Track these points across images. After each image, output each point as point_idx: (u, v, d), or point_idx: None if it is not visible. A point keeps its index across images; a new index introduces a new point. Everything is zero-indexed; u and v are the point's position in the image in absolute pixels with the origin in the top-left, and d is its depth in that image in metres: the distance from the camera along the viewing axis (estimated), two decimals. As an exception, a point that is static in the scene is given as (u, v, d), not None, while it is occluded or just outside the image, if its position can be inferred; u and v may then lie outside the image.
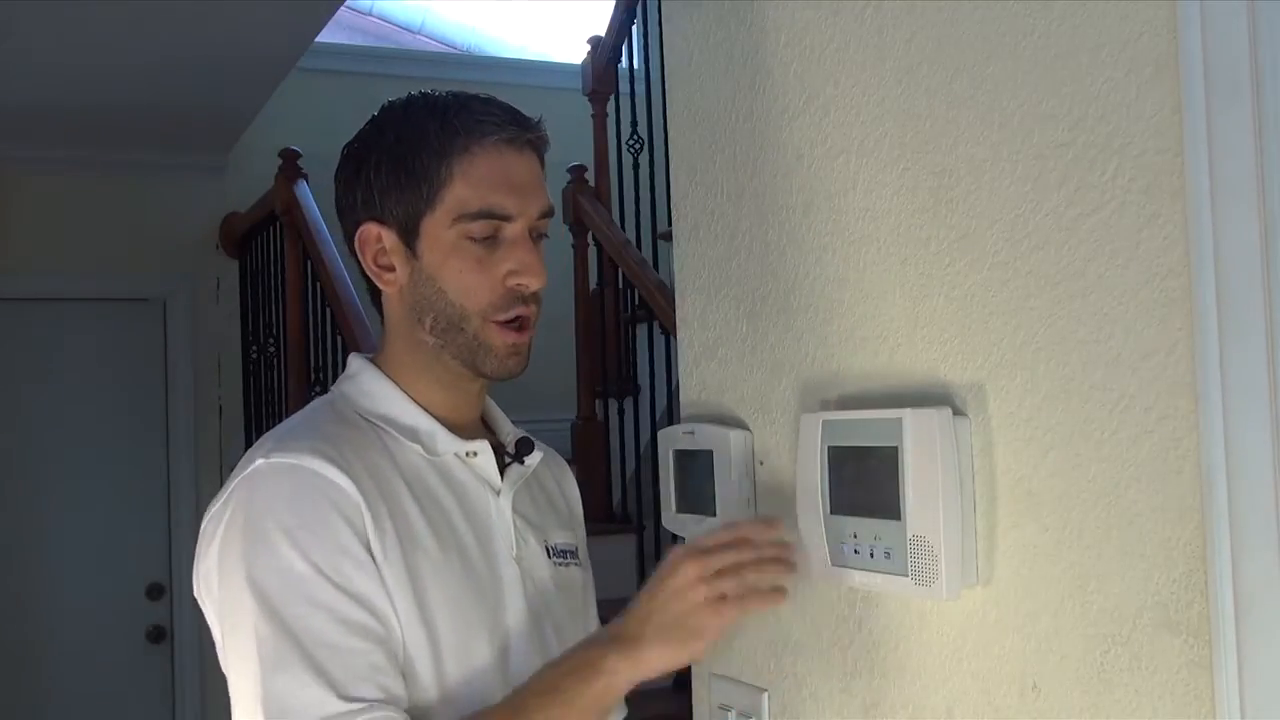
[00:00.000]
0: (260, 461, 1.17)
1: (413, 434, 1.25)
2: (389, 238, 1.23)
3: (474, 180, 1.20)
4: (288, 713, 1.08)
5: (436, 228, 1.21)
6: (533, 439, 1.35)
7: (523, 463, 1.31)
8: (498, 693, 1.18)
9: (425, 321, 1.23)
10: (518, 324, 1.23)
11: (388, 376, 1.27)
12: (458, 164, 1.20)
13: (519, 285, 1.22)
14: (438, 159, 1.20)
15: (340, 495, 1.15)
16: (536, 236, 1.25)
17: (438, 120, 1.22)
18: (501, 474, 1.29)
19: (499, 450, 1.31)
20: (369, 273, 1.26)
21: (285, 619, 1.10)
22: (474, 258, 1.21)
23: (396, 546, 1.16)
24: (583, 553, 1.41)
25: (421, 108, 1.25)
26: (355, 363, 1.31)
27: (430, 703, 1.16)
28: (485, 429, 1.35)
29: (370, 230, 1.24)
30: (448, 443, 1.25)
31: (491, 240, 1.21)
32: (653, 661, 1.10)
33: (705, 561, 1.09)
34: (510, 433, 1.35)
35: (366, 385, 1.28)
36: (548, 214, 1.25)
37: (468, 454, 1.26)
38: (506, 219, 1.21)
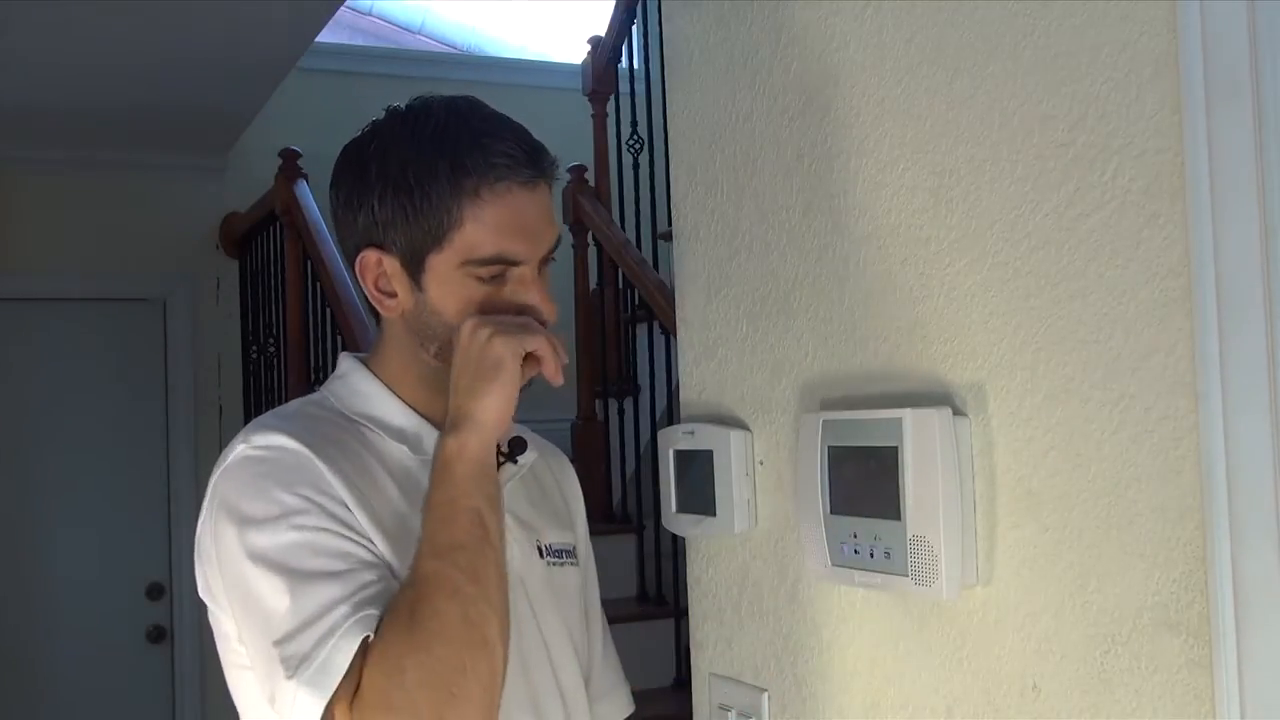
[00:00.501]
0: (241, 447, 1.18)
1: (400, 434, 1.24)
2: (391, 265, 1.21)
3: (485, 225, 1.17)
4: (309, 623, 1.08)
5: (444, 266, 1.19)
6: (526, 438, 1.34)
7: (515, 462, 1.31)
8: None
9: (430, 348, 1.23)
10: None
11: (378, 378, 1.27)
12: (469, 206, 1.17)
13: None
14: (447, 199, 1.17)
15: (313, 468, 1.15)
16: (543, 263, 1.23)
17: (448, 157, 1.18)
18: None
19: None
20: (370, 297, 1.24)
21: (297, 571, 1.10)
22: (482, 295, 1.19)
23: (379, 538, 1.16)
24: (583, 550, 1.41)
25: (430, 137, 1.20)
26: (346, 363, 1.31)
27: None
28: None
29: (371, 257, 1.21)
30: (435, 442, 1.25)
31: (499, 278, 1.20)
32: (481, 412, 1.14)
33: (478, 319, 1.16)
34: (506, 430, 1.35)
35: (356, 385, 1.28)
36: (556, 245, 1.24)
37: None
38: (516, 263, 1.19)
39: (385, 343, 1.29)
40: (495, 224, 1.18)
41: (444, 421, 1.24)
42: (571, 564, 1.36)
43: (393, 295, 1.23)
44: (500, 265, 1.19)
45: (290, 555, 1.11)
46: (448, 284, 1.19)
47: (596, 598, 1.43)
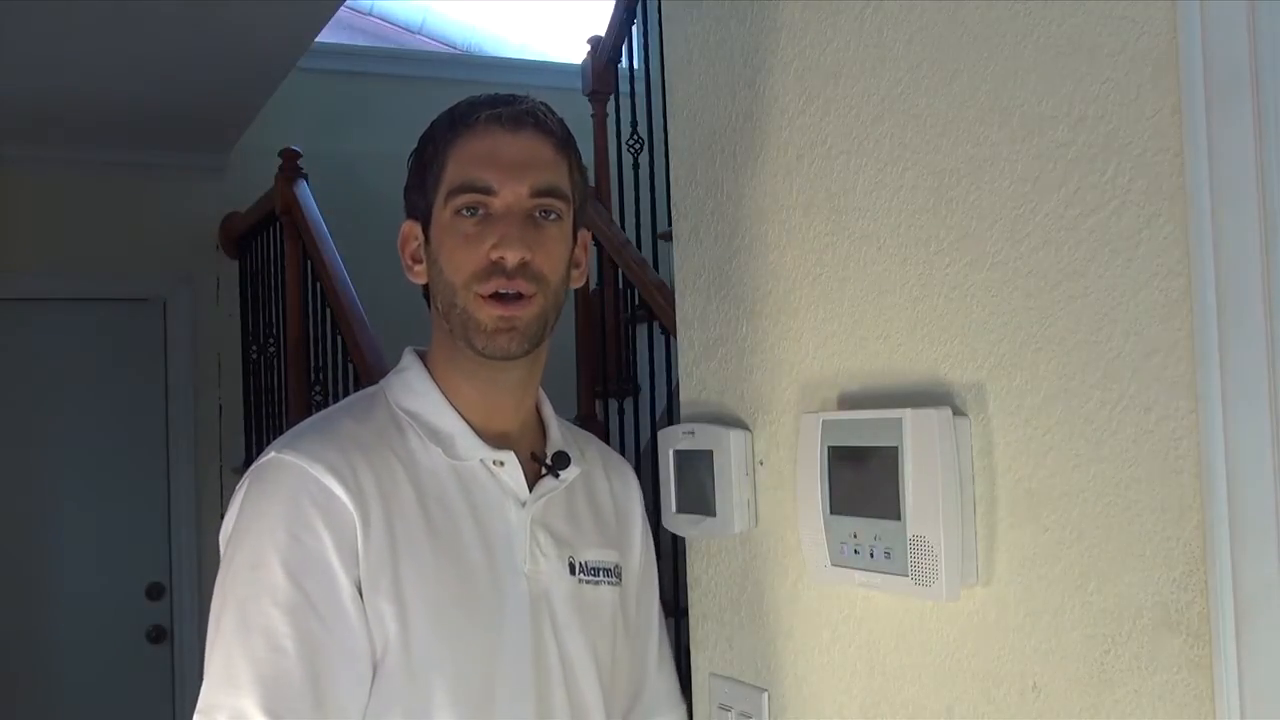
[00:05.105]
0: (273, 454, 1.21)
1: (436, 436, 1.25)
2: (418, 232, 1.29)
3: (461, 159, 1.25)
4: (215, 705, 1.14)
5: (439, 211, 1.26)
6: (588, 449, 1.37)
7: (557, 476, 1.30)
8: (481, 697, 1.20)
9: (439, 306, 1.26)
10: (503, 298, 1.22)
11: (430, 374, 1.29)
12: (451, 148, 1.25)
13: (498, 258, 1.22)
14: (441, 148, 1.26)
15: (333, 503, 1.17)
16: (541, 214, 1.24)
17: (447, 114, 1.28)
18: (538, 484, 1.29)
19: (539, 460, 1.31)
20: (404, 268, 1.31)
21: (248, 618, 1.14)
22: (463, 234, 1.23)
23: (385, 549, 1.18)
24: (636, 567, 1.39)
25: (447, 109, 1.30)
26: (407, 357, 1.34)
27: (401, 701, 1.17)
28: (542, 435, 1.35)
29: (405, 228, 1.31)
30: (472, 449, 1.26)
31: (485, 218, 1.23)
32: None
33: None
34: (558, 443, 1.35)
35: (409, 381, 1.30)
36: (547, 192, 1.24)
37: (494, 462, 1.26)
38: (487, 192, 1.23)
39: (432, 333, 1.32)
40: (468, 156, 1.24)
41: (488, 422, 1.28)
42: (609, 583, 1.33)
43: (420, 262, 1.30)
44: (472, 195, 1.23)
45: (259, 601, 1.15)
46: (441, 227, 1.26)
47: (653, 614, 1.42)
